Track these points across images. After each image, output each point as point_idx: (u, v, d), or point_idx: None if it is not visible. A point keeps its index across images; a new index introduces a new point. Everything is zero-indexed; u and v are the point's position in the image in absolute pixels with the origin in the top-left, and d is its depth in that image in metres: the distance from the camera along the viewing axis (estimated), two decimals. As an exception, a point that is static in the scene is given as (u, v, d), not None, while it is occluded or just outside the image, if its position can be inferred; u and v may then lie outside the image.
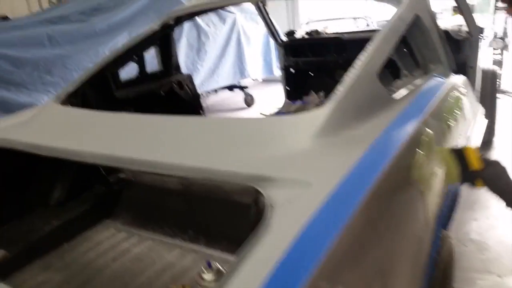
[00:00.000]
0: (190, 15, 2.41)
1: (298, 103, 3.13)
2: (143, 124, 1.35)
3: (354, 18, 7.98)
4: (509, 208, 1.00)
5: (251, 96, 5.61)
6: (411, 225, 1.01)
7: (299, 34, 3.49)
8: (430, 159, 1.15)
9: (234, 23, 4.95)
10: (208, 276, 0.87)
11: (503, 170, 1.03)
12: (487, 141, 3.47)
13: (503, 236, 2.28)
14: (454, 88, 1.58)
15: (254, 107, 5.57)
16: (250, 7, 5.29)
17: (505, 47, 4.41)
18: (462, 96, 1.62)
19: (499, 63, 4.38)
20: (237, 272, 0.67)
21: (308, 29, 3.45)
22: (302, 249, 0.71)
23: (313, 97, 3.12)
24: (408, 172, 1.02)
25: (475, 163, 1.03)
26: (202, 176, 1.03)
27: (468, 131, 1.70)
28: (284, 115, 1.25)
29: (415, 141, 1.10)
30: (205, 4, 2.30)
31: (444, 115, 1.36)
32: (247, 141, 1.11)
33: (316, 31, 3.34)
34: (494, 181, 1.01)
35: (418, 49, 1.62)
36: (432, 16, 1.63)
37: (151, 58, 2.46)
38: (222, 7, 3.97)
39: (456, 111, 1.47)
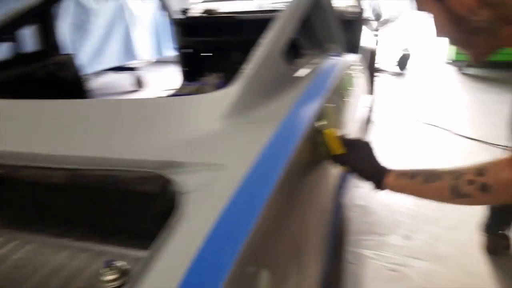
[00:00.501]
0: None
1: (196, 84, 3.06)
2: (19, 111, 1.18)
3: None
4: (377, 190, 0.99)
5: (140, 78, 5.35)
6: (319, 197, 1.06)
7: (195, 12, 3.39)
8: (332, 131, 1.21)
9: (119, 0, 4.63)
10: (109, 275, 0.78)
11: (367, 150, 1.01)
12: (367, 118, 3.82)
13: (384, 199, 2.55)
14: (349, 65, 1.69)
15: (145, 89, 5.34)
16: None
17: (379, 28, 4.84)
18: (355, 74, 1.74)
19: (375, 43, 4.80)
20: (152, 267, 0.62)
21: (204, 8, 3.36)
22: (223, 234, 0.68)
23: (211, 78, 3.08)
24: (316, 146, 1.06)
25: (336, 148, 1.00)
26: (100, 167, 0.94)
27: (359, 107, 1.84)
28: (186, 96, 1.20)
29: (321, 116, 1.15)
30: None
31: (341, 92, 1.45)
32: (149, 124, 1.05)
33: (211, 11, 3.28)
34: (359, 165, 0.99)
35: (315, 29, 1.69)
36: (328, -3, 1.70)
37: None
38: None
39: (350, 88, 1.57)
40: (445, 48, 5.67)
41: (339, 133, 1.06)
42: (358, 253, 2.06)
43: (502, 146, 3.06)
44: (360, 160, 1.00)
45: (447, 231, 2.20)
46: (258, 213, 0.73)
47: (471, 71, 5.21)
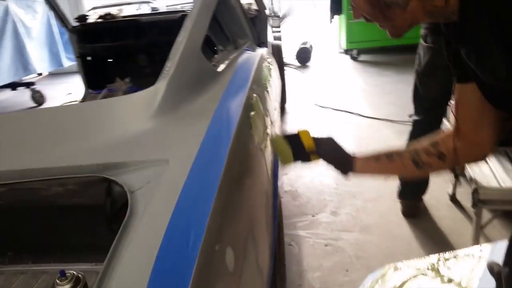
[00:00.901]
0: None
1: (104, 91, 2.93)
2: None
3: (141, 2, 7.80)
4: (344, 176, 1.09)
5: (40, 92, 4.96)
6: (262, 179, 1.11)
7: (92, 18, 3.24)
8: (260, 120, 1.27)
9: (6, 13, 4.23)
10: (66, 283, 0.74)
11: (334, 142, 1.10)
12: (281, 108, 3.99)
13: (309, 182, 2.70)
14: (263, 59, 1.76)
15: (45, 104, 4.97)
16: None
17: (282, 24, 5.06)
18: (270, 66, 1.82)
19: (279, 38, 5.01)
20: (117, 269, 0.60)
21: (102, 13, 3.23)
22: (182, 225, 0.68)
23: (119, 83, 2.96)
24: (250, 133, 1.10)
25: (310, 145, 1.08)
26: (39, 178, 0.88)
27: (277, 96, 1.92)
28: (113, 97, 1.16)
29: (248, 105, 1.19)
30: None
31: (262, 82, 1.51)
32: (81, 130, 1.00)
33: (110, 15, 3.16)
34: (329, 156, 1.08)
35: (227, 26, 1.73)
36: (235, -6, 1.75)
37: None
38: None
39: (269, 78, 1.65)
40: (336, 38, 6.10)
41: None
42: (294, 235, 2.16)
43: (401, 121, 3.40)
44: (330, 152, 1.08)
45: (369, 203, 2.40)
46: (212, 200, 0.75)
47: (363, 57, 5.67)
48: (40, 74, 5.41)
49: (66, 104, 2.75)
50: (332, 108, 3.94)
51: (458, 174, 2.20)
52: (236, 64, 1.47)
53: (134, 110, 1.05)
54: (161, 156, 0.87)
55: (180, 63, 1.16)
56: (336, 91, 4.50)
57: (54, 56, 4.94)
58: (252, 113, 1.18)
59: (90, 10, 5.57)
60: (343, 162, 1.06)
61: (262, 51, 1.91)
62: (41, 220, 1.06)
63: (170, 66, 1.14)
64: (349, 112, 3.79)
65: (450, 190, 2.33)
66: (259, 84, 1.45)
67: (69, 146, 0.94)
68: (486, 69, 0.77)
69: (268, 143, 1.27)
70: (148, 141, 0.94)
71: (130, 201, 0.76)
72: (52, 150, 0.93)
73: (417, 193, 2.26)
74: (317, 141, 1.09)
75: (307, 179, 2.74)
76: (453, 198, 2.32)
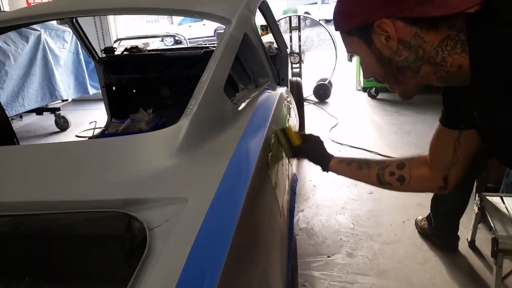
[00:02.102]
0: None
1: (127, 121, 3.01)
2: None
3: (166, 36, 8.11)
4: (324, 172, 1.27)
5: (64, 118, 5.11)
6: (277, 221, 1.11)
7: (119, 50, 3.38)
8: (279, 160, 1.28)
9: (39, 41, 4.44)
10: None
11: (318, 142, 1.29)
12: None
13: (326, 221, 2.67)
14: (283, 98, 1.80)
15: (69, 130, 5.11)
16: (55, 23, 4.85)
17: (301, 61, 5.16)
18: (289, 105, 1.85)
19: (298, 75, 5.10)
20: None
21: (128, 46, 3.36)
22: (198, 266, 0.69)
23: (142, 114, 3.04)
24: (267, 173, 1.11)
25: (295, 140, 1.26)
26: (61, 210, 0.91)
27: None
28: (138, 134, 1.20)
29: (267, 145, 1.21)
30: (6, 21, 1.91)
31: (281, 121, 1.53)
32: (104, 165, 1.03)
33: (137, 48, 3.29)
34: (311, 152, 1.27)
35: (249, 65, 1.78)
36: (257, 34, 1.81)
37: None
38: (27, 25, 3.52)
39: (288, 117, 1.67)
40: (355, 76, 6.16)
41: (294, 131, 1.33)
42: (308, 275, 2.12)
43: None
44: (312, 148, 1.27)
45: (386, 246, 2.35)
46: (229, 242, 0.76)
47: (382, 96, 5.68)
48: (65, 100, 5.57)
49: (91, 138, 2.82)
50: (350, 146, 3.94)
51: (478, 220, 2.16)
52: (257, 103, 1.50)
53: (157, 147, 1.08)
54: (181, 194, 0.89)
55: (203, 102, 1.19)
56: (354, 128, 4.50)
57: (80, 84, 5.11)
58: (270, 153, 1.19)
59: (115, 41, 5.83)
60: (322, 158, 1.26)
61: (281, 90, 1.95)
62: (60, 248, 1.08)
63: (193, 105, 1.17)
64: (367, 150, 3.78)
65: (469, 236, 2.27)
66: (278, 124, 1.48)
67: (93, 180, 0.96)
68: (500, 131, 0.79)
69: (285, 182, 1.28)
70: (169, 179, 0.96)
71: (148, 238, 0.78)
72: (75, 183, 0.96)
73: (454, 231, 2.24)
74: (304, 137, 1.29)
75: (323, 217, 2.72)
76: (472, 245, 2.26)
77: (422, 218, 2.43)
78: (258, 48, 1.79)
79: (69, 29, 3.91)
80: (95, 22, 5.97)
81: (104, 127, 3.28)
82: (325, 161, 1.26)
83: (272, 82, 1.91)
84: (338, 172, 1.26)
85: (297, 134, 1.30)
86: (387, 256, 2.26)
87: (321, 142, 1.30)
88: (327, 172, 1.28)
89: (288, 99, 1.95)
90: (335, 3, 0.87)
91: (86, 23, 5.58)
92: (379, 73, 0.85)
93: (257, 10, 2.22)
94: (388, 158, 1.15)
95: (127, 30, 7.07)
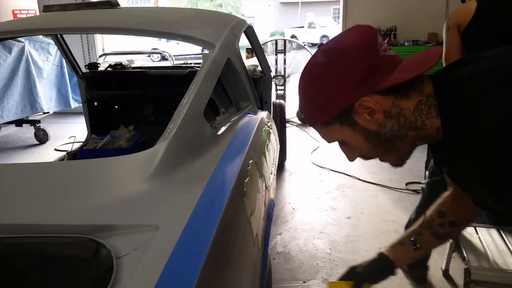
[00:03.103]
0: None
1: (107, 138, 2.97)
2: None
3: (152, 53, 8.13)
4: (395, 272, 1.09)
5: (44, 131, 5.03)
6: (250, 250, 1.10)
7: (103, 67, 3.36)
8: (254, 186, 1.28)
9: (22, 53, 4.40)
10: None
11: (365, 268, 1.08)
12: (280, 164, 4.02)
13: (303, 245, 2.66)
14: (263, 122, 1.81)
15: (48, 143, 5.02)
16: (40, 35, 4.82)
17: (285, 82, 5.22)
18: (269, 129, 1.87)
19: (282, 97, 5.15)
20: None
21: (112, 62, 3.35)
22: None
23: (122, 131, 3.01)
24: (242, 201, 1.11)
25: None
26: (25, 234, 0.88)
27: (275, 159, 1.95)
28: (113, 156, 1.19)
29: (244, 172, 1.21)
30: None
31: (260, 147, 1.54)
32: (75, 188, 1.01)
33: (121, 65, 3.28)
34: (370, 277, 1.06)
35: (231, 89, 1.80)
36: (240, 59, 1.83)
37: None
38: (10, 38, 3.49)
39: (267, 142, 1.68)
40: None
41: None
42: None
43: (398, 188, 3.42)
44: (368, 273, 1.06)
45: (360, 271, 2.35)
46: (198, 273, 0.75)
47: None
48: (46, 112, 5.50)
49: (69, 153, 2.78)
50: (330, 169, 3.97)
51: (453, 249, 2.18)
52: (236, 128, 1.51)
53: (132, 171, 1.06)
54: (152, 221, 0.88)
55: (181, 126, 1.19)
56: (335, 151, 4.53)
57: (62, 97, 5.06)
58: (247, 179, 1.20)
59: (101, 56, 5.82)
60: (383, 269, 1.06)
61: (262, 115, 1.96)
62: (25, 272, 1.05)
63: (171, 128, 1.17)
64: (347, 175, 3.81)
65: (443, 265, 2.30)
66: (257, 150, 1.48)
67: (63, 203, 0.94)
68: (468, 190, 0.85)
69: (261, 210, 1.28)
70: (141, 205, 0.95)
71: (115, 267, 0.76)
72: (45, 206, 0.94)
73: (423, 261, 2.22)
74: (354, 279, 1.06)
75: (301, 241, 2.71)
76: (446, 274, 2.28)
77: None
78: (241, 72, 1.81)
79: (54, 42, 3.88)
80: (81, 36, 5.95)
81: (84, 142, 3.23)
82: (388, 267, 1.06)
83: (254, 106, 1.92)
84: (405, 260, 1.09)
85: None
86: (362, 283, 2.25)
87: (362, 265, 1.09)
88: (396, 270, 1.08)
89: (269, 124, 1.96)
90: (314, 58, 0.84)
91: (72, 37, 5.56)
92: (369, 150, 0.85)
93: (243, 34, 2.25)
94: (425, 215, 1.08)
95: (115, 45, 7.07)
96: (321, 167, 4.04)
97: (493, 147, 0.69)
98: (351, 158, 0.90)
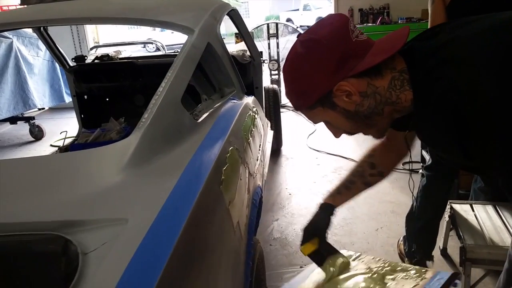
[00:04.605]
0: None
1: (97, 131, 2.94)
2: None
3: (143, 43, 8.04)
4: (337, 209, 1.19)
5: (39, 127, 5.01)
6: (228, 239, 1.07)
7: (90, 59, 3.31)
8: (235, 174, 1.25)
9: (10, 49, 4.34)
10: None
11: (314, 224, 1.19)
12: (276, 150, 3.99)
13: (299, 231, 2.62)
14: (248, 108, 1.76)
15: (44, 139, 5.00)
16: (29, 30, 4.75)
17: (279, 67, 5.15)
18: (254, 115, 1.82)
19: (277, 81, 5.09)
20: None
21: (99, 54, 3.29)
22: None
23: (113, 123, 2.98)
24: (219, 190, 1.08)
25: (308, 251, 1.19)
26: None
27: (262, 144, 1.91)
28: (85, 149, 1.15)
29: (223, 160, 1.17)
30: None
31: (243, 133, 1.50)
32: (44, 183, 0.98)
33: (108, 56, 3.22)
34: (320, 231, 1.18)
35: (213, 75, 1.75)
36: (222, 44, 1.78)
37: None
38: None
39: (252, 128, 1.64)
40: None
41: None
42: (279, 287, 2.08)
43: (395, 168, 3.38)
44: (316, 228, 1.17)
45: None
46: (163, 267, 0.72)
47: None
48: (42, 109, 5.47)
49: (61, 148, 2.75)
50: (326, 152, 3.93)
51: (450, 227, 2.15)
52: (218, 114, 1.47)
53: (103, 164, 1.03)
54: (121, 215, 0.84)
55: (157, 115, 1.15)
56: (332, 135, 4.49)
57: (56, 92, 5.02)
58: (225, 167, 1.16)
59: (92, 48, 5.75)
60: (325, 214, 1.17)
61: (247, 100, 1.92)
62: None
63: (146, 118, 1.13)
64: (344, 157, 3.77)
65: (441, 244, 2.27)
66: (238, 136, 1.44)
67: (32, 200, 0.91)
68: (440, 152, 0.95)
69: (241, 197, 1.24)
70: (111, 198, 0.91)
71: (80, 263, 0.74)
72: (12, 204, 0.91)
73: (428, 252, 2.14)
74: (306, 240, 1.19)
75: (298, 226, 2.69)
76: (444, 253, 2.25)
77: (402, 242, 2.37)
78: (223, 57, 1.76)
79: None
80: (71, 29, 5.87)
81: (75, 137, 3.21)
82: (329, 210, 1.17)
83: (239, 92, 1.87)
84: (342, 203, 1.20)
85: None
86: (359, 265, 2.23)
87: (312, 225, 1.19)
88: (336, 210, 1.19)
89: (254, 109, 1.91)
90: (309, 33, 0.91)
91: (62, 29, 5.50)
92: (351, 127, 0.95)
93: (228, 18, 2.19)
94: (356, 164, 1.24)
95: (110, 36, 7.00)
96: (318, 151, 4.00)
97: (464, 108, 0.74)
98: (336, 135, 1.01)
